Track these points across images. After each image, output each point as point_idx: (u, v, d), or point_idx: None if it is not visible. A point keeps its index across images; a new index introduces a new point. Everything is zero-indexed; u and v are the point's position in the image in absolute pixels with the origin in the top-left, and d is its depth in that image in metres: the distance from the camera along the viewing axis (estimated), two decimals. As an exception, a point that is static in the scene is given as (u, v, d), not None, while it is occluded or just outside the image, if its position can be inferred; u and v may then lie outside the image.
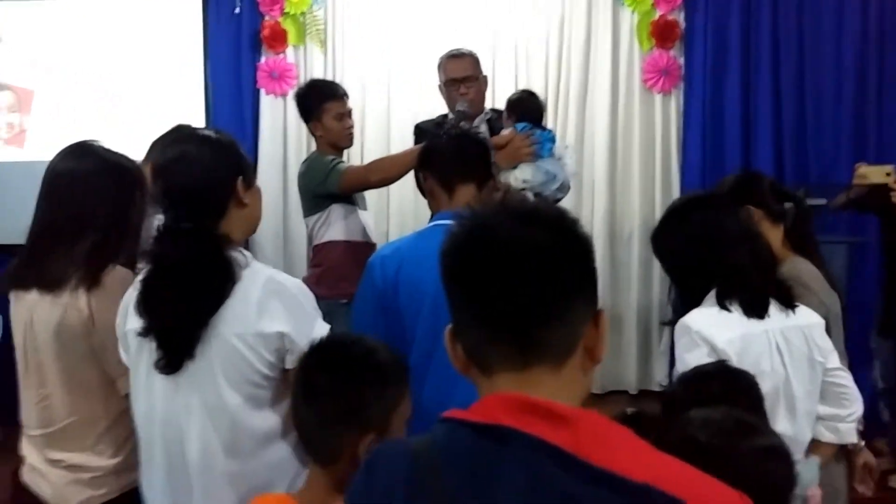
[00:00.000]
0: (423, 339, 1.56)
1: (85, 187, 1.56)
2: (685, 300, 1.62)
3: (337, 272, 2.67)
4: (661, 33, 4.07)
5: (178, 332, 1.33)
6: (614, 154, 4.14)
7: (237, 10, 4.06)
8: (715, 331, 1.49)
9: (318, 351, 1.26)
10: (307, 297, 1.41)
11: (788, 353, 1.54)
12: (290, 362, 1.35)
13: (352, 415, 1.17)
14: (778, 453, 1.09)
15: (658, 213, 4.13)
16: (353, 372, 1.20)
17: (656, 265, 4.15)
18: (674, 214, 1.66)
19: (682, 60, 4.12)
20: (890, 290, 3.11)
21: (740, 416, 1.13)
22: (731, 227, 1.57)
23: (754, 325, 1.52)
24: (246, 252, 1.41)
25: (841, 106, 4.00)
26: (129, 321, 1.40)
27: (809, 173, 3.99)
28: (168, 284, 1.35)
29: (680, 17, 4.09)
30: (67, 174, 1.58)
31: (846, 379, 1.66)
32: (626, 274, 4.17)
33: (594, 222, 4.14)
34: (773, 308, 1.54)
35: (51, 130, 3.96)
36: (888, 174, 2.88)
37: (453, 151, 1.67)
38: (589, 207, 4.16)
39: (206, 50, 4.06)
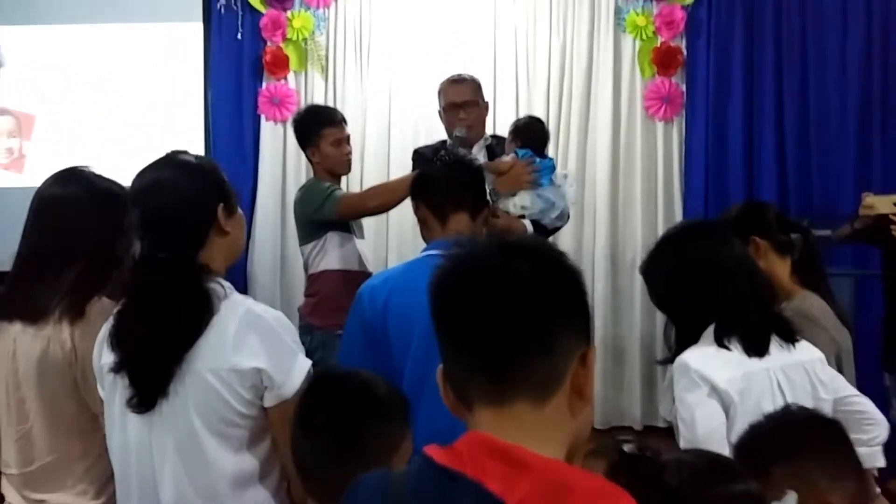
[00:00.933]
0: (413, 371, 1.51)
1: (71, 214, 1.52)
2: (680, 336, 1.56)
3: (332, 302, 2.62)
4: (663, 60, 4.06)
5: (150, 369, 1.27)
6: (616, 181, 4.11)
7: (239, 37, 4.06)
8: (715, 370, 1.44)
9: (317, 385, 1.22)
10: (288, 331, 1.34)
11: (791, 392, 1.48)
12: (269, 400, 1.29)
13: (350, 450, 1.14)
14: (752, 500, 1.02)
15: (661, 242, 4.09)
16: (351, 407, 1.17)
17: (659, 294, 4.09)
18: (667, 243, 1.61)
19: (684, 88, 4.11)
20: (891, 325, 3.03)
21: (716, 458, 1.07)
22: (727, 257, 1.52)
23: (755, 362, 1.46)
24: (225, 283, 1.35)
25: (845, 134, 3.97)
26: (104, 355, 1.34)
27: (813, 203, 3.95)
28: (141, 318, 1.29)
29: (682, 45, 4.08)
30: (54, 200, 1.55)
31: (864, 404, 1.61)
32: (629, 304, 4.11)
33: (595, 250, 4.10)
34: (774, 344, 1.49)
35: (51, 156, 3.94)
36: (895, 204, 2.83)
37: (446, 179, 1.63)
38: (590, 235, 4.11)
39: (206, 75, 4.06)
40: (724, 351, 1.46)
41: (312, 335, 2.69)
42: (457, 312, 0.80)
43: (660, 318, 4.08)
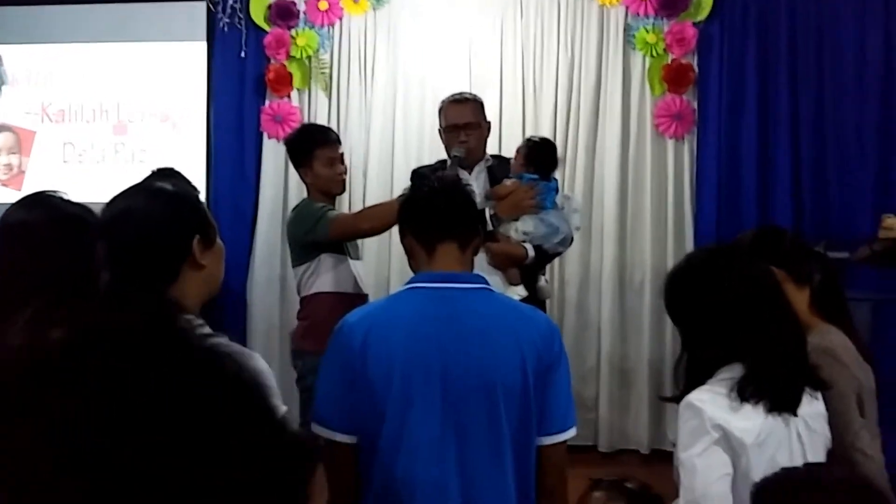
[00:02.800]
0: (392, 422, 1.41)
1: (32, 241, 1.45)
2: (691, 369, 1.45)
3: (325, 326, 2.47)
4: (675, 77, 3.96)
5: None
6: (625, 200, 4.01)
7: (243, 55, 4.03)
8: (731, 416, 1.31)
9: None
10: (262, 376, 1.25)
11: (810, 443, 1.36)
12: None
13: None
14: None
15: (670, 263, 3.97)
16: None
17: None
18: (698, 265, 1.47)
19: (695, 105, 4.01)
20: None
21: None
22: (762, 294, 1.38)
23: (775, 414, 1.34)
24: (198, 321, 1.24)
25: (863, 153, 3.85)
26: None
27: (829, 224, 3.82)
28: None
29: (693, 62, 3.99)
30: (17, 226, 1.47)
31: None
32: (637, 326, 4.00)
33: (603, 271, 3.99)
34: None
35: (50, 172, 3.93)
36: (915, 227, 2.71)
37: (433, 206, 1.52)
38: (598, 255, 4.01)
39: (209, 93, 4.03)
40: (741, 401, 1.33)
41: (304, 360, 2.60)
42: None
43: (669, 340, 4.00)
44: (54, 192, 1.57)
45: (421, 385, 1.40)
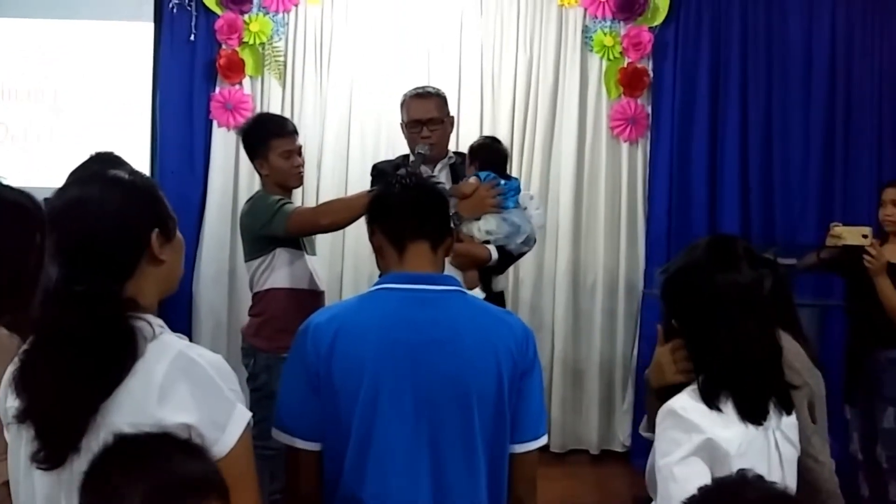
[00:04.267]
0: (360, 430, 1.34)
1: None
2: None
3: (278, 323, 2.44)
4: (630, 81, 3.99)
5: (59, 421, 1.08)
6: (579, 202, 4.03)
7: (192, 38, 3.87)
8: (714, 425, 1.30)
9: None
10: (227, 379, 1.15)
11: (786, 454, 1.37)
12: None
13: None
14: None
15: (622, 264, 4.02)
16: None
17: (620, 316, 4.02)
18: (694, 265, 1.46)
19: (649, 109, 4.05)
20: (853, 358, 2.99)
21: None
22: (744, 300, 1.38)
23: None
24: (155, 320, 1.16)
25: (809, 159, 3.97)
26: (9, 399, 1.15)
27: (776, 229, 3.92)
28: (51, 360, 1.09)
29: (648, 66, 4.03)
30: None
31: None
32: (588, 326, 4.03)
33: (557, 271, 4.00)
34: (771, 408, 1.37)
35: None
36: (864, 236, 2.77)
37: (405, 203, 1.46)
38: (552, 256, 4.02)
39: (156, 77, 3.86)
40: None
41: (256, 358, 2.51)
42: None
43: (620, 340, 4.04)
44: None
45: (391, 392, 1.34)
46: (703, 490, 1.04)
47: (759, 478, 1.03)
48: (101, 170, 1.25)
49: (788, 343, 1.70)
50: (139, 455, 1.01)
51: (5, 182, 1.44)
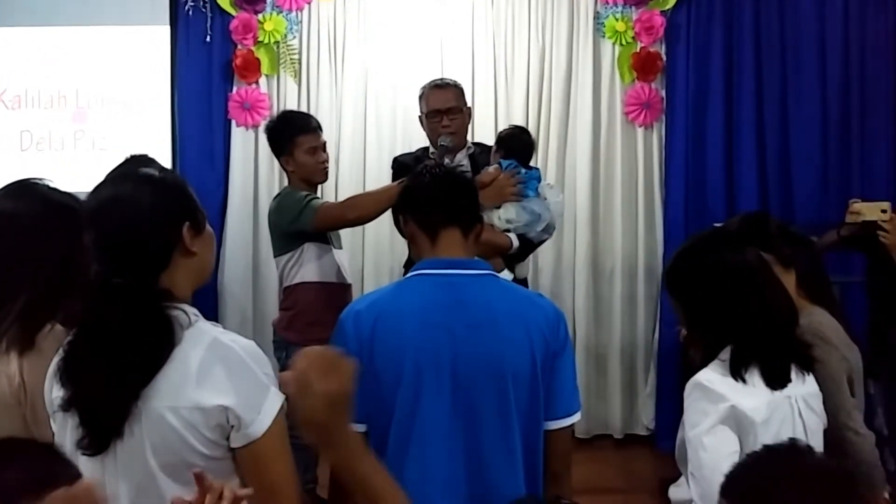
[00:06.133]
0: (403, 411, 1.39)
1: (23, 231, 1.38)
2: (707, 350, 1.47)
3: (309, 316, 2.50)
4: (643, 66, 4.00)
5: (102, 407, 1.14)
6: (596, 188, 4.05)
7: (208, 39, 3.92)
8: (740, 395, 1.35)
9: None
10: (260, 363, 1.21)
11: (810, 422, 1.41)
12: (236, 441, 1.16)
13: None
14: None
15: (641, 250, 4.04)
16: None
17: (640, 301, 4.05)
18: (697, 250, 1.52)
19: (663, 93, 4.06)
20: (875, 332, 3.00)
21: None
22: (750, 278, 1.43)
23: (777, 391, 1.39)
24: (190, 309, 1.22)
25: (826, 139, 3.96)
26: (54, 390, 1.21)
27: (795, 208, 3.92)
28: (93, 350, 1.15)
29: (661, 50, 4.03)
30: (4, 216, 1.41)
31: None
32: (609, 312, 4.05)
33: (576, 257, 4.03)
34: (793, 372, 1.41)
35: (7, 161, 3.77)
36: (884, 210, 2.78)
37: (437, 192, 1.51)
38: (571, 242, 4.04)
39: (174, 79, 3.91)
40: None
41: (287, 350, 2.56)
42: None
43: (640, 325, 4.07)
44: (39, 179, 1.50)
45: (432, 374, 1.39)
46: (754, 456, 1.02)
47: (810, 448, 1.03)
48: (132, 169, 1.30)
49: (825, 318, 1.73)
50: None
51: (52, 185, 1.48)
